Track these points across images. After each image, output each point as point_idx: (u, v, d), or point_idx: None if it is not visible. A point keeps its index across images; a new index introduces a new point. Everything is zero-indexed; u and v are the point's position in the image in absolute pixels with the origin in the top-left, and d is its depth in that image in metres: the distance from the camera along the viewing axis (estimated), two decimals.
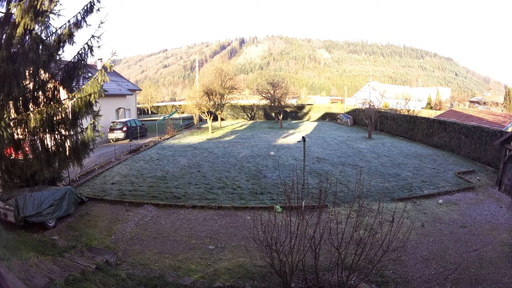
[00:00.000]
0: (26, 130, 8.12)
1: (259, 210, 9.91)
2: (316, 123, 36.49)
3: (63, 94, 8.63)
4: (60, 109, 8.46)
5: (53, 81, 8.37)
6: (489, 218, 9.28)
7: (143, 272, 6.48)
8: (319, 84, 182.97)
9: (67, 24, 8.13)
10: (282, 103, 31.67)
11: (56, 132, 8.54)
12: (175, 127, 27.64)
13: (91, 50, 8.58)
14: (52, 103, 8.35)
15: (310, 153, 17.77)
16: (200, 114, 30.73)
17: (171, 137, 24.52)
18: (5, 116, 7.06)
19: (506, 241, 7.88)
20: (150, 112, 50.55)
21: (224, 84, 29.92)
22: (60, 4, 7.61)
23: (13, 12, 6.88)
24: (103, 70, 9.24)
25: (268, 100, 33.31)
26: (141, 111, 47.34)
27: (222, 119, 32.67)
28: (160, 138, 23.33)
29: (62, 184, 10.84)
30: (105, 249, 7.64)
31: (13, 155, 8.07)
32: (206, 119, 27.68)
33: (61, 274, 5.56)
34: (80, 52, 8.53)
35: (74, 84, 8.60)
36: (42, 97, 8.26)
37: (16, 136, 7.92)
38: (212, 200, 10.79)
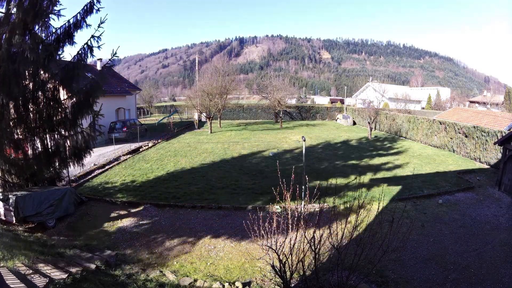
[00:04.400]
0: (26, 130, 8.13)
1: (259, 210, 9.91)
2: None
3: (63, 94, 8.62)
4: (60, 109, 8.47)
5: (53, 81, 8.37)
6: (489, 218, 9.28)
7: (143, 272, 6.48)
8: (319, 84, 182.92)
9: (67, 24, 8.14)
10: (282, 103, 31.64)
11: (56, 132, 8.55)
12: (175, 128, 27.65)
13: (91, 50, 8.59)
14: (52, 103, 8.35)
15: (310, 153, 17.79)
16: (199, 114, 30.73)
17: (171, 137, 24.51)
18: (5, 116, 7.05)
19: (506, 241, 7.88)
20: (150, 113, 50.54)
21: (224, 84, 29.89)
22: (60, 4, 7.62)
23: (13, 12, 6.87)
24: (103, 71, 9.25)
25: (268, 101, 33.30)
26: (141, 111, 47.33)
27: (221, 120, 32.64)
28: (160, 139, 23.33)
29: (62, 184, 10.83)
30: (105, 249, 7.64)
31: (13, 155, 8.07)
32: (206, 120, 27.67)
33: (61, 274, 5.56)
34: (80, 52, 8.54)
35: (74, 84, 8.60)
36: (42, 97, 8.25)
37: (16, 136, 7.92)
38: (212, 200, 10.78)
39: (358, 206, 5.02)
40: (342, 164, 15.71)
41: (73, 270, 5.84)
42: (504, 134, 13.10)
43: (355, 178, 12.37)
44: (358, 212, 4.82)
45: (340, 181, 12.12)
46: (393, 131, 26.35)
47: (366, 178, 12.74)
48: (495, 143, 12.86)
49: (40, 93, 8.18)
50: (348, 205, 5.49)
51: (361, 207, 5.20)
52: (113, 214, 9.83)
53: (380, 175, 13.47)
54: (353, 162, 16.02)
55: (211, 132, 26.47)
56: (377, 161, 16.16)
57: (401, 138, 24.49)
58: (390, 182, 12.19)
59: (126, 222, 9.28)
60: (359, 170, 14.06)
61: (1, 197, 8.13)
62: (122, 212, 9.96)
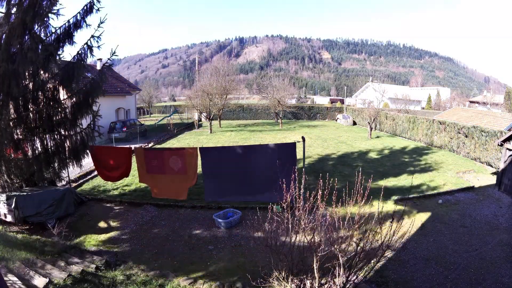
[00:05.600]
0: (25, 130, 8.12)
1: (258, 210, 9.90)
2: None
3: (63, 94, 8.62)
4: (59, 109, 8.47)
5: (53, 81, 8.37)
6: (489, 218, 9.27)
7: (143, 272, 6.47)
8: (319, 84, 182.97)
9: (67, 24, 8.14)
10: (282, 104, 31.66)
11: (56, 132, 8.55)
12: (175, 128, 27.65)
13: (91, 50, 8.58)
14: (51, 103, 8.35)
15: (310, 153, 17.78)
16: (199, 114, 30.74)
17: (170, 137, 24.51)
18: (5, 116, 7.05)
19: (506, 241, 7.87)
20: (150, 113, 50.56)
21: (224, 85, 29.90)
22: (60, 4, 7.61)
23: (12, 12, 6.87)
24: (102, 70, 9.26)
25: (268, 101, 33.32)
26: (141, 111, 47.35)
27: (221, 120, 32.66)
28: (160, 138, 23.32)
29: (61, 184, 10.83)
30: (104, 249, 7.64)
31: (12, 155, 8.06)
32: (206, 120, 27.68)
33: (60, 274, 5.56)
34: (79, 52, 8.53)
35: (73, 84, 8.60)
36: (42, 97, 8.25)
37: (15, 136, 7.91)
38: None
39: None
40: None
41: (73, 270, 5.84)
42: (504, 134, 13.10)
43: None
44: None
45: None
46: (395, 131, 26.33)
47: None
48: (495, 143, 12.77)
49: (40, 93, 8.18)
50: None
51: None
52: (113, 214, 9.83)
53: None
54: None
55: (211, 132, 26.48)
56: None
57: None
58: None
59: (126, 222, 9.27)
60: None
61: (4, 198, 8.12)
62: (122, 212, 9.95)
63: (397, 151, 19.34)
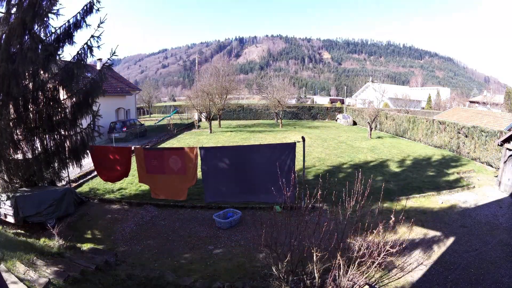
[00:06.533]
0: (25, 130, 8.13)
1: (258, 210, 9.91)
2: None
3: (62, 94, 8.62)
4: (59, 109, 8.47)
5: (53, 81, 8.37)
6: (489, 218, 9.27)
7: (143, 272, 6.47)
8: (319, 84, 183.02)
9: (67, 24, 8.14)
10: (282, 104, 31.66)
11: (56, 132, 8.55)
12: (175, 128, 27.66)
13: (91, 50, 8.59)
14: (51, 103, 8.35)
15: (309, 153, 17.78)
16: (199, 114, 30.74)
17: (170, 137, 24.51)
18: (5, 116, 7.05)
19: (506, 241, 7.87)
20: (150, 113, 50.57)
21: (224, 85, 29.90)
22: (60, 4, 7.61)
23: (12, 12, 6.87)
24: (102, 70, 9.26)
25: (268, 101, 33.31)
26: (141, 111, 47.38)
27: (221, 120, 32.66)
28: (160, 139, 23.32)
29: (61, 184, 10.83)
30: (104, 249, 7.64)
31: (13, 155, 8.06)
32: (206, 120, 27.68)
33: (60, 274, 5.56)
34: (79, 52, 8.53)
35: (73, 84, 8.60)
36: (42, 97, 8.25)
37: (15, 136, 7.91)
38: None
39: None
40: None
41: (73, 270, 5.84)
42: (504, 134, 13.09)
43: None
44: None
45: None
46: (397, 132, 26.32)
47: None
48: (495, 143, 12.78)
49: (40, 93, 8.18)
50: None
51: None
52: (112, 214, 9.83)
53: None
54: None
55: (211, 132, 26.47)
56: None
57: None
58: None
59: (126, 222, 9.27)
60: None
61: (4, 198, 8.11)
62: (122, 212, 9.95)
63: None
